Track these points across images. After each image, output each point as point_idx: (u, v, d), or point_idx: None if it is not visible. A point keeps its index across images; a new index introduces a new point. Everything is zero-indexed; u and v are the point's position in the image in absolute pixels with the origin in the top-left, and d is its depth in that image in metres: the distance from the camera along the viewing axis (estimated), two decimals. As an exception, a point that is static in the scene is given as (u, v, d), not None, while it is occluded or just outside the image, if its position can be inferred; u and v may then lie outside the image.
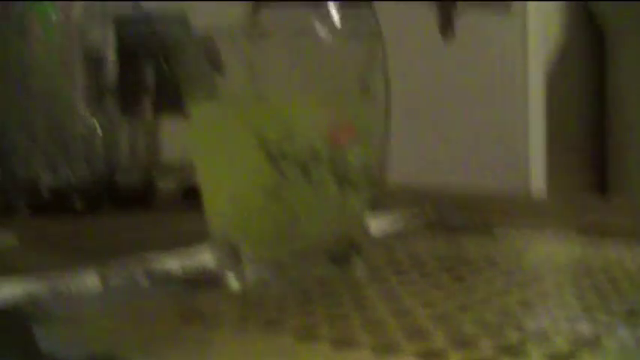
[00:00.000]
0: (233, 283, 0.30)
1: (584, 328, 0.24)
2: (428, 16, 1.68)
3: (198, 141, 0.32)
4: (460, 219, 0.46)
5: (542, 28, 1.87)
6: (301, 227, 0.29)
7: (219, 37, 0.30)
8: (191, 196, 0.69)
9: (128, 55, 0.93)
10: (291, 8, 0.50)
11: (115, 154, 0.70)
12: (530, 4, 1.83)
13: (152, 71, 0.76)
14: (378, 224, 0.43)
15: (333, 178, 0.29)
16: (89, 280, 0.34)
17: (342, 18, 0.49)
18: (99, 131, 0.69)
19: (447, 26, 1.72)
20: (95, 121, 0.69)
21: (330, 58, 0.31)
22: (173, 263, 0.37)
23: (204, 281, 0.32)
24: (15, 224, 0.53)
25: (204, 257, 0.37)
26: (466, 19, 1.72)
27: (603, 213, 0.52)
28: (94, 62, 1.04)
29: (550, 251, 0.36)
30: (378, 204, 0.51)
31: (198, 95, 0.31)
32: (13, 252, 0.46)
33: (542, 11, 1.87)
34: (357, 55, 0.31)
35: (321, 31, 0.32)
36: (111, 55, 0.96)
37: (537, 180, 1.87)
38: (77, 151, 0.69)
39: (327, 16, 0.49)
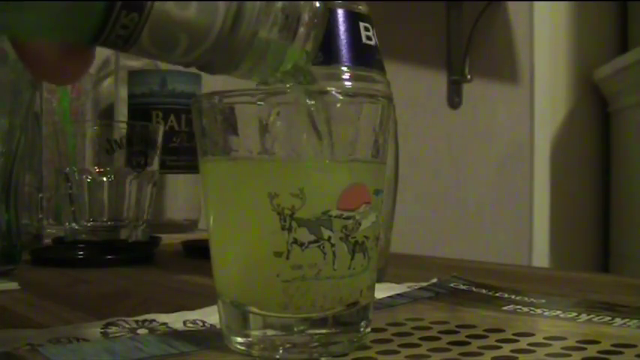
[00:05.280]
0: (239, 346, 0.30)
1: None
2: (437, 84, 1.71)
3: (210, 200, 0.31)
4: (464, 286, 0.45)
5: (548, 97, 1.89)
6: (311, 292, 0.29)
7: (234, 95, 0.30)
8: (194, 252, 0.69)
9: (139, 109, 0.94)
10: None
11: (121, 207, 0.70)
12: (537, 74, 1.85)
13: (162, 126, 0.77)
14: (382, 291, 0.42)
15: (344, 243, 0.29)
16: (90, 332, 0.33)
17: (353, 80, 0.50)
18: (105, 183, 0.69)
19: (454, 95, 1.75)
20: (102, 173, 0.69)
21: (345, 119, 0.31)
22: (176, 321, 0.36)
23: (208, 342, 0.31)
24: (17, 271, 0.53)
25: (210, 317, 0.36)
26: (474, 87, 1.75)
27: (608, 290, 0.52)
28: (104, 114, 1.05)
29: (556, 319, 0.36)
30: (383, 271, 0.51)
31: (212, 153, 0.31)
32: (14, 298, 0.46)
33: (548, 81, 1.89)
34: (371, 118, 0.31)
35: (335, 92, 0.32)
36: (122, 109, 0.97)
37: (540, 252, 1.86)
38: (82, 202, 0.69)
39: (339, 78, 0.50)
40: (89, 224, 0.69)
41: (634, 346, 0.30)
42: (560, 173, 1.94)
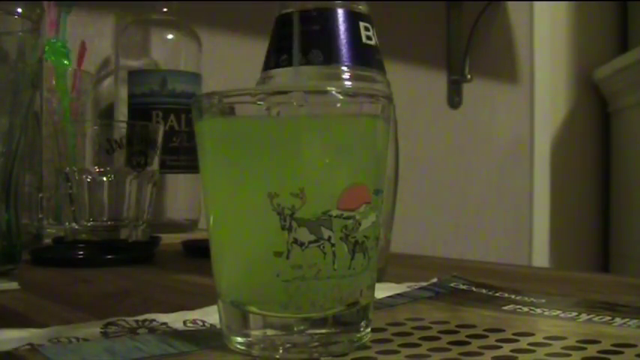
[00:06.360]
0: (239, 346, 0.30)
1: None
2: (437, 84, 1.71)
3: (211, 200, 0.31)
4: (464, 286, 0.45)
5: (548, 97, 1.89)
6: (311, 291, 0.29)
7: (234, 95, 0.30)
8: (194, 252, 0.69)
9: (139, 109, 0.94)
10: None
11: (121, 207, 0.70)
12: (537, 74, 1.85)
13: (162, 126, 0.77)
14: (382, 291, 0.42)
15: (344, 243, 0.29)
16: (90, 332, 0.33)
17: (353, 80, 0.50)
18: (105, 183, 0.69)
19: (454, 95, 1.75)
20: (102, 173, 0.69)
21: (346, 119, 0.31)
22: (176, 320, 0.36)
23: (208, 342, 0.31)
24: (17, 271, 0.52)
25: (210, 317, 0.36)
26: (474, 87, 1.76)
27: (608, 290, 0.52)
28: (104, 114, 1.05)
29: (556, 319, 0.36)
30: (383, 271, 0.51)
31: (212, 152, 0.31)
32: (14, 298, 0.46)
33: (548, 81, 1.89)
34: (371, 118, 0.31)
35: (335, 92, 0.32)
36: (122, 109, 0.97)
37: (540, 252, 1.86)
38: (82, 202, 0.69)
39: (339, 78, 0.50)
40: (89, 224, 0.69)
41: (634, 346, 0.30)
42: (560, 173, 1.94)
